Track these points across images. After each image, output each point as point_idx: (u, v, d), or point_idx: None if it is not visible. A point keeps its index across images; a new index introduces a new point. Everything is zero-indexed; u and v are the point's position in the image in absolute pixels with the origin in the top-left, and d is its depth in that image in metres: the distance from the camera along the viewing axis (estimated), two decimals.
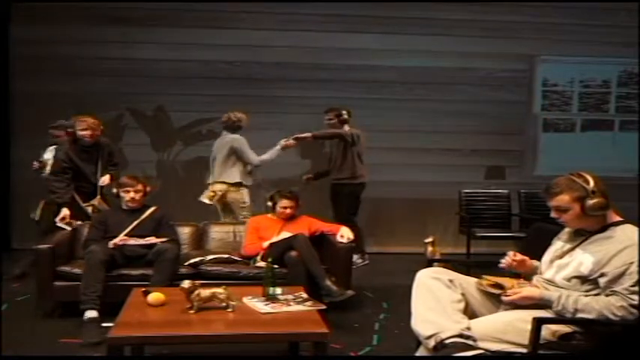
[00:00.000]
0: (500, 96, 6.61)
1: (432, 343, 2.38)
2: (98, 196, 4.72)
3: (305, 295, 3.14)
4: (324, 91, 6.19)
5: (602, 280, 2.33)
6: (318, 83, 6.29)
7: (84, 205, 4.64)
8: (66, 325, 3.79)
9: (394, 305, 4.32)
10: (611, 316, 2.26)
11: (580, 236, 2.52)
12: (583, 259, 2.40)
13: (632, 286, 2.26)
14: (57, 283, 4.00)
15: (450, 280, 2.56)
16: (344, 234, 4.30)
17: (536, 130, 6.82)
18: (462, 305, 2.51)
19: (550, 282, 2.50)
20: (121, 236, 4.08)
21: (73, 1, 6.01)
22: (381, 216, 6.45)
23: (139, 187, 4.25)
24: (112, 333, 2.57)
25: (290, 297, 3.08)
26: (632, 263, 2.28)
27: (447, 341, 2.33)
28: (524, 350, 2.36)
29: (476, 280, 2.64)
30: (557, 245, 2.61)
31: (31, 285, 4.34)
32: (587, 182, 2.41)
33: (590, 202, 2.38)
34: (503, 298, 2.50)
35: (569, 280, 2.42)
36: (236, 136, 5.37)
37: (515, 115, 6.67)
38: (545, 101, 6.88)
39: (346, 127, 5.61)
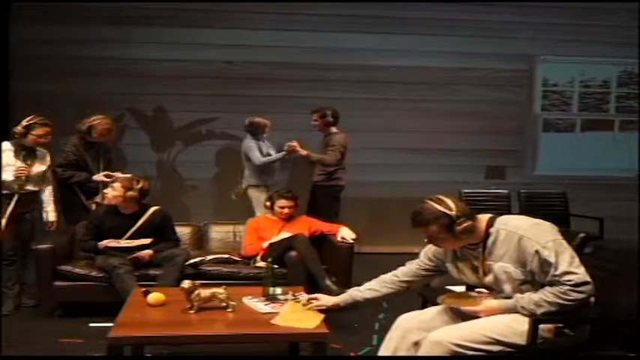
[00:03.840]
0: (500, 96, 6.61)
1: None
2: (101, 193, 4.67)
3: (305, 295, 3.14)
4: (325, 91, 6.19)
5: (537, 278, 2.33)
6: (318, 83, 6.28)
7: (87, 202, 4.63)
8: (66, 325, 3.80)
9: (394, 305, 4.31)
10: (567, 302, 2.25)
11: (472, 249, 2.49)
12: (506, 269, 2.38)
13: (555, 271, 2.25)
14: (57, 283, 4.01)
15: (415, 343, 2.54)
16: (345, 235, 4.31)
17: (536, 130, 6.82)
18: None
19: (506, 298, 2.45)
20: (110, 240, 4.07)
21: (73, 1, 6.01)
22: (381, 216, 6.44)
23: (116, 185, 4.09)
24: (112, 333, 2.56)
25: (290, 297, 3.07)
26: (536, 252, 2.28)
27: None
28: (503, 347, 2.35)
29: (440, 298, 2.64)
30: (463, 265, 2.56)
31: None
32: (450, 209, 2.39)
33: (459, 227, 2.37)
34: (472, 313, 2.47)
35: (519, 289, 2.39)
36: (246, 139, 5.57)
37: (515, 115, 6.67)
38: (545, 101, 6.88)
39: (333, 129, 5.52)
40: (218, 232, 4.78)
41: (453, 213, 2.39)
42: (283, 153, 5.48)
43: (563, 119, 7.05)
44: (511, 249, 2.35)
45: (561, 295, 2.25)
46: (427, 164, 6.52)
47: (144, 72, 6.17)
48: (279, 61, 6.32)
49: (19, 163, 4.13)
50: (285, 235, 4.26)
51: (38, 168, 4.26)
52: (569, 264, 2.26)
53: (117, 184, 4.12)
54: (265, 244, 4.26)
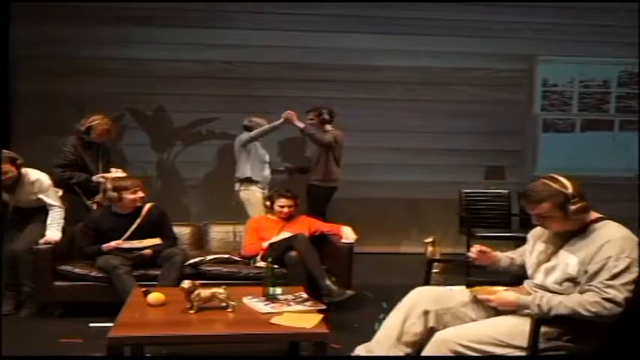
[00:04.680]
0: (500, 96, 6.61)
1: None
2: (102, 193, 4.65)
3: (305, 295, 3.14)
4: (324, 91, 6.18)
5: (584, 279, 2.32)
6: (318, 83, 6.28)
7: (88, 202, 4.62)
8: (66, 325, 3.80)
9: (394, 305, 4.29)
10: (585, 312, 2.24)
11: (561, 237, 2.49)
12: (568, 261, 2.39)
13: (607, 279, 2.24)
14: (57, 283, 4.01)
15: (426, 312, 2.58)
16: (348, 235, 4.31)
17: (536, 130, 6.82)
18: (414, 339, 2.59)
19: (541, 287, 2.48)
20: (119, 241, 4.06)
21: (73, 1, 6.01)
22: (381, 216, 6.44)
23: (140, 184, 4.18)
24: (112, 333, 2.56)
25: (290, 297, 3.08)
26: (609, 257, 2.27)
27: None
28: (512, 351, 2.35)
29: (469, 289, 2.65)
30: (540, 247, 2.59)
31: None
32: (566, 187, 2.38)
33: (573, 207, 2.35)
34: (485, 301, 2.49)
35: (560, 283, 2.40)
36: (242, 135, 5.50)
37: (515, 115, 6.67)
38: (545, 101, 6.88)
39: (328, 127, 5.54)
40: (218, 232, 4.78)
41: (569, 191, 2.37)
42: (281, 121, 5.38)
43: (563, 119, 7.04)
44: (591, 249, 2.33)
45: (586, 304, 2.24)
46: (427, 164, 6.51)
47: (144, 72, 6.17)
48: (279, 61, 6.32)
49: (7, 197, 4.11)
50: (285, 235, 4.26)
51: (27, 196, 4.16)
52: (622, 283, 2.24)
53: (139, 187, 4.14)
54: (265, 244, 4.26)
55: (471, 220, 5.83)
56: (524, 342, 2.33)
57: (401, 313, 2.65)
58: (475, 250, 2.80)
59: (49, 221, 4.15)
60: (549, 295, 2.34)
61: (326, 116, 5.53)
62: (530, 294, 2.46)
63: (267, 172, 5.57)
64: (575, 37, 6.56)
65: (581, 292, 2.30)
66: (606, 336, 2.35)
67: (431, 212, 6.42)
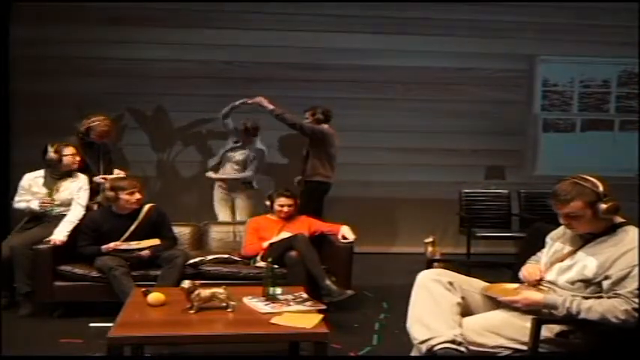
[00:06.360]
0: (500, 96, 6.61)
1: (424, 348, 2.39)
2: (101, 193, 4.65)
3: (305, 295, 3.14)
4: (324, 91, 6.18)
5: (605, 283, 2.31)
6: (318, 83, 6.27)
7: (89, 202, 4.62)
8: (66, 325, 3.81)
9: (394, 305, 4.32)
10: (614, 320, 2.23)
11: (581, 238, 2.48)
12: (587, 263, 2.37)
13: (636, 289, 2.24)
14: (57, 283, 4.01)
15: (450, 283, 2.53)
16: (345, 234, 4.31)
17: (536, 130, 6.82)
18: (459, 309, 2.48)
19: (552, 284, 2.48)
20: (117, 242, 4.06)
21: (73, 1, 6.01)
22: (381, 216, 6.44)
23: (139, 185, 4.18)
24: (112, 333, 2.57)
25: (290, 297, 3.08)
26: (635, 266, 2.26)
27: (439, 346, 2.34)
28: (521, 347, 2.37)
29: (483, 286, 2.62)
30: (556, 247, 2.58)
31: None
32: (597, 186, 2.37)
33: (604, 206, 2.33)
34: (509, 302, 2.46)
35: (572, 283, 2.40)
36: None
37: (515, 115, 6.67)
38: (545, 101, 6.88)
39: (325, 126, 5.50)
40: (218, 232, 4.78)
41: (600, 190, 2.36)
42: (244, 100, 5.31)
43: (563, 119, 7.05)
44: (613, 254, 2.32)
45: (616, 312, 2.22)
46: (427, 164, 6.51)
47: (144, 72, 6.17)
48: (279, 61, 6.32)
49: (44, 192, 4.30)
50: (285, 235, 4.26)
51: (66, 194, 4.31)
52: None
53: (136, 188, 4.14)
54: (265, 244, 4.26)
55: (471, 220, 5.83)
56: (514, 334, 2.36)
57: (431, 287, 2.50)
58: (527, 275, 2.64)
59: (66, 218, 4.22)
60: (579, 298, 2.32)
61: (320, 116, 5.50)
62: (540, 291, 2.46)
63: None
64: (575, 37, 6.56)
65: (609, 298, 2.28)
66: (606, 335, 2.35)
67: (431, 212, 6.41)
